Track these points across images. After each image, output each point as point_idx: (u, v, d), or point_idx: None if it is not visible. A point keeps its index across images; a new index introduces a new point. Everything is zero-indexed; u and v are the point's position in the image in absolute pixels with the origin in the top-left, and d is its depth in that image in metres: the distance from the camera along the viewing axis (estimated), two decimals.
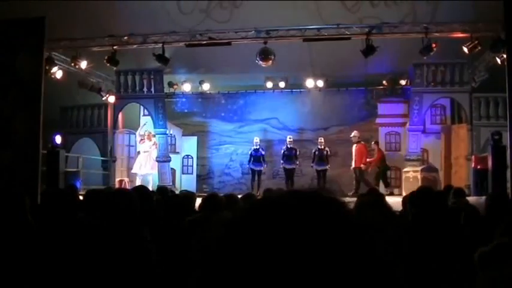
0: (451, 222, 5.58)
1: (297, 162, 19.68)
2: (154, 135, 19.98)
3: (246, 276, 0.94)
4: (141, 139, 19.84)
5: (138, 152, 20.18)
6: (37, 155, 15.00)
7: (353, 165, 19.08)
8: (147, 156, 19.29)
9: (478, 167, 16.72)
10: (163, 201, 6.43)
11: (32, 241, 4.49)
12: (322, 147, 19.38)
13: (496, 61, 16.10)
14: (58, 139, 16.48)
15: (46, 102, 15.25)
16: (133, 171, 19.57)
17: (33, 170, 14.73)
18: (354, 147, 19.06)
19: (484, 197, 7.43)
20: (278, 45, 16.82)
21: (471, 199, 10.87)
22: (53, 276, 4.12)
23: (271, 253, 0.94)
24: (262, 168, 19.62)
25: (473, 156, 17.79)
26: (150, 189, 15.75)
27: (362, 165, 18.78)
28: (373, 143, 19.55)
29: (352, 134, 19.43)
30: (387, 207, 4.54)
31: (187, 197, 7.15)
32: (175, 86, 22.61)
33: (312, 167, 19.64)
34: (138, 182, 18.01)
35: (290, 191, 1.07)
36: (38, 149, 15.07)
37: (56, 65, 17.33)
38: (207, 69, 21.62)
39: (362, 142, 19.09)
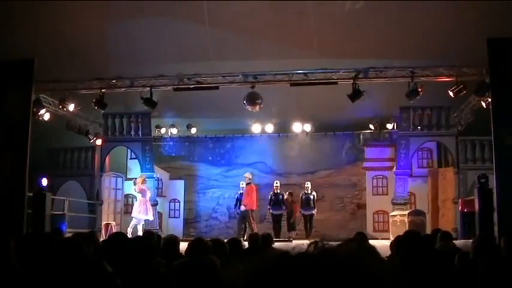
0: (439, 265, 5.54)
1: (284, 208, 19.61)
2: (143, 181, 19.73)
3: None
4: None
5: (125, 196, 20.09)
6: (23, 197, 14.88)
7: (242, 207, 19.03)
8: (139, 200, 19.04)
9: (465, 210, 16.71)
10: (146, 245, 6.35)
11: (17, 285, 4.41)
12: (309, 191, 19.34)
13: (481, 104, 16.24)
14: (44, 181, 16.35)
15: (33, 144, 15.20)
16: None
17: (19, 212, 14.60)
18: (245, 189, 19.11)
19: (471, 240, 7.39)
20: (265, 89, 16.86)
21: (459, 242, 10.83)
22: None
23: None
24: None
25: (460, 199, 17.81)
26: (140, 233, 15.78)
27: (243, 207, 18.85)
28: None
29: (245, 175, 19.56)
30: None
31: (170, 240, 7.06)
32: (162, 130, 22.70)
33: (300, 212, 19.55)
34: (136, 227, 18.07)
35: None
36: (24, 191, 14.96)
37: (43, 107, 17.26)
38: (195, 113, 21.66)
39: (252, 184, 19.16)
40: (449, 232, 9.82)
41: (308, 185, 19.49)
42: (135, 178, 19.79)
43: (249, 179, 19.25)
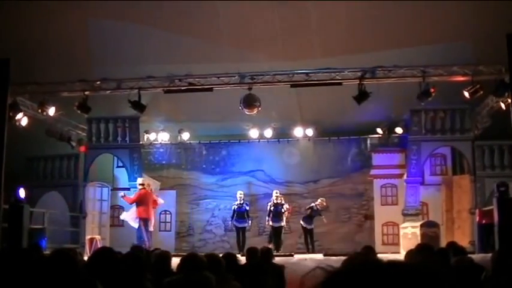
0: (454, 282, 5.50)
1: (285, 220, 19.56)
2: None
3: None
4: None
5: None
6: None
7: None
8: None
9: (483, 221, 16.65)
10: (136, 261, 6.31)
11: None
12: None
13: (500, 106, 16.17)
14: (22, 193, 16.25)
15: (9, 152, 15.12)
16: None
17: None
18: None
19: (490, 254, 7.35)
20: (264, 91, 16.79)
21: (476, 257, 10.78)
22: None
23: None
24: (246, 225, 19.36)
25: (477, 210, 17.75)
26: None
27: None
28: None
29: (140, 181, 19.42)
30: None
31: (162, 256, 7.02)
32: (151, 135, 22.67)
33: (300, 224, 19.48)
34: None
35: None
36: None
37: (21, 111, 17.19)
38: (187, 117, 21.60)
39: (150, 190, 19.11)
40: (462, 247, 9.77)
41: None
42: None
43: (147, 184, 19.18)
